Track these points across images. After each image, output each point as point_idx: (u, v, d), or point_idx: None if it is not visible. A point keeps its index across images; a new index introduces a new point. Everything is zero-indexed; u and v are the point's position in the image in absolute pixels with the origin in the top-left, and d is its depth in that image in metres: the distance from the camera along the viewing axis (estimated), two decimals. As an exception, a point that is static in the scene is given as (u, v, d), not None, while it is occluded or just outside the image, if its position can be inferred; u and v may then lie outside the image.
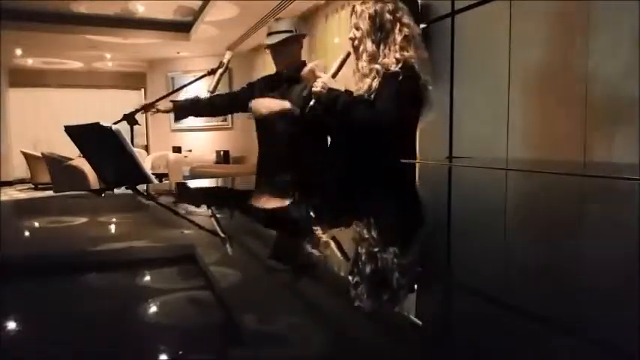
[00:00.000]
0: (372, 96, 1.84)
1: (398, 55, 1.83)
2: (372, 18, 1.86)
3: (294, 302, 0.47)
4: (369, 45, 1.87)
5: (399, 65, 1.82)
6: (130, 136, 2.38)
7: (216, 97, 2.69)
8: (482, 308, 0.44)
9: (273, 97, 2.45)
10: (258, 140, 2.63)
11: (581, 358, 0.34)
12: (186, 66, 9.95)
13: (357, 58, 1.92)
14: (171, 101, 2.59)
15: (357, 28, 1.90)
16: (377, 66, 1.85)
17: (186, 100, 2.66)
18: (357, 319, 0.42)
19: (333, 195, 1.31)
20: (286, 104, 2.35)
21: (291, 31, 2.51)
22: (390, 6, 1.88)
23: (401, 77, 1.82)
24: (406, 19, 1.88)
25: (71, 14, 7.49)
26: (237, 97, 2.61)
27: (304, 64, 2.56)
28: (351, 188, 1.42)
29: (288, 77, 2.49)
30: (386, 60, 1.84)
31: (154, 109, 2.49)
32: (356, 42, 1.91)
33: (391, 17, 1.86)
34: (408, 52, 1.84)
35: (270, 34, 2.52)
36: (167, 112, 2.57)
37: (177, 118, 2.72)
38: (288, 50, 2.52)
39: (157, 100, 2.62)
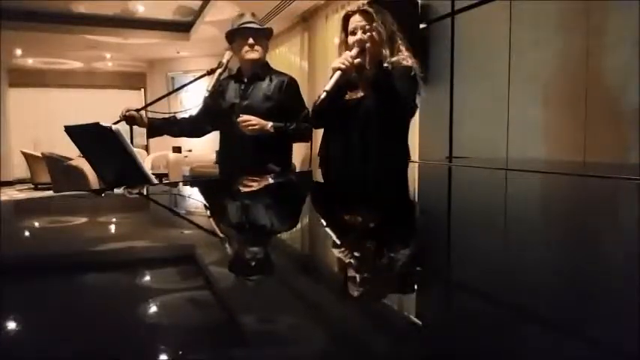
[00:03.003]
0: (382, 85, 1.85)
1: (407, 54, 1.89)
2: (385, 24, 1.90)
3: (294, 302, 0.46)
4: (385, 49, 1.89)
5: (411, 61, 1.87)
6: (130, 136, 2.37)
7: (190, 117, 2.63)
8: (483, 308, 0.44)
9: (237, 99, 2.40)
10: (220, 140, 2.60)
11: (581, 358, 0.34)
12: (186, 66, 9.95)
13: (365, 61, 1.90)
14: (149, 118, 2.52)
15: (369, 31, 1.89)
16: (386, 65, 1.86)
17: (162, 119, 2.60)
18: (357, 319, 0.42)
19: (331, 194, 1.31)
20: (267, 125, 2.30)
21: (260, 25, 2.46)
22: (392, 21, 1.93)
23: (413, 73, 1.86)
24: (401, 40, 1.93)
25: (71, 14, 7.49)
26: (210, 108, 2.53)
27: (267, 64, 2.52)
28: (350, 188, 1.42)
29: (253, 74, 2.43)
30: (395, 58, 1.87)
31: (133, 114, 2.40)
32: (366, 42, 1.89)
33: (395, 30, 1.92)
34: (412, 58, 1.90)
35: (248, 22, 2.43)
36: (143, 126, 2.47)
37: (149, 137, 2.64)
38: (264, 44, 2.46)
39: (154, 102, 2.60)
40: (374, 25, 1.88)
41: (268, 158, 2.35)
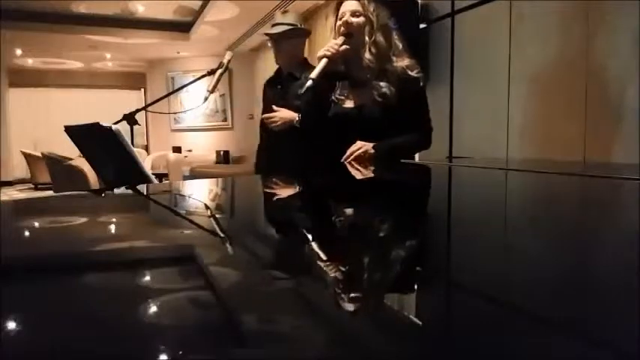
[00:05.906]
0: (392, 100, 1.79)
1: (409, 61, 1.82)
2: (378, 14, 1.84)
3: (294, 302, 0.46)
4: (380, 38, 1.80)
5: (417, 71, 1.82)
6: (130, 136, 2.37)
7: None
8: (483, 308, 0.44)
9: (275, 100, 2.46)
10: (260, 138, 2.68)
11: (581, 358, 0.34)
12: (186, 66, 9.96)
13: (353, 47, 1.82)
14: None
15: (361, 15, 1.82)
16: (390, 67, 1.80)
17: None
18: (357, 319, 0.42)
19: (331, 194, 1.31)
20: (294, 118, 2.31)
21: (295, 25, 2.53)
22: (388, 15, 1.87)
23: (422, 84, 1.83)
24: (398, 37, 1.87)
25: (71, 14, 7.50)
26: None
27: (306, 61, 2.58)
28: (351, 188, 1.42)
29: (288, 74, 2.51)
30: (403, 63, 1.80)
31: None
32: (354, 26, 1.80)
33: (391, 24, 1.87)
34: (411, 59, 1.84)
35: (274, 25, 2.55)
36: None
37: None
38: (290, 44, 2.53)
39: (154, 102, 2.60)
40: (364, 11, 1.82)
41: (297, 159, 2.39)
